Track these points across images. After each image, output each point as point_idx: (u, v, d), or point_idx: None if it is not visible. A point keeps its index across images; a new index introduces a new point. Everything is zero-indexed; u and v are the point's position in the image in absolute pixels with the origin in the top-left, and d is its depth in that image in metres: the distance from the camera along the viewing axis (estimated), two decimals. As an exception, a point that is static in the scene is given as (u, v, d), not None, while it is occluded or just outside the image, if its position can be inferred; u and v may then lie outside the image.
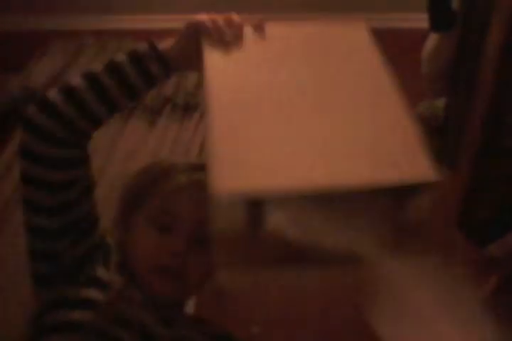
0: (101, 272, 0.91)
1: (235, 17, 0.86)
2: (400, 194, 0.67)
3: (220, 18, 0.85)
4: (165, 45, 0.88)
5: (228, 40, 0.84)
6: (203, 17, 0.86)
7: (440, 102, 1.90)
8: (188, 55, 0.88)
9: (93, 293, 0.87)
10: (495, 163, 1.51)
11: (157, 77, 0.88)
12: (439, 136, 1.94)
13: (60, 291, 0.89)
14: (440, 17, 1.74)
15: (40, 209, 0.89)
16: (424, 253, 0.73)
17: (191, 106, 2.29)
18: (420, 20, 1.97)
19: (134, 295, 0.89)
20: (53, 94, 0.86)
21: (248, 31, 0.86)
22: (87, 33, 2.68)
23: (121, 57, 0.88)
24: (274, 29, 0.87)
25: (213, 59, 0.82)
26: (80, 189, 0.90)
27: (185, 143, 2.16)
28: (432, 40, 1.84)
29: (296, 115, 0.74)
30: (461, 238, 1.73)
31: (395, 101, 0.75)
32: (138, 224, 0.94)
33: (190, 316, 0.98)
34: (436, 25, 1.76)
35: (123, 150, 2.16)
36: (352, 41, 0.87)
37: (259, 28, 0.87)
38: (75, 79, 0.87)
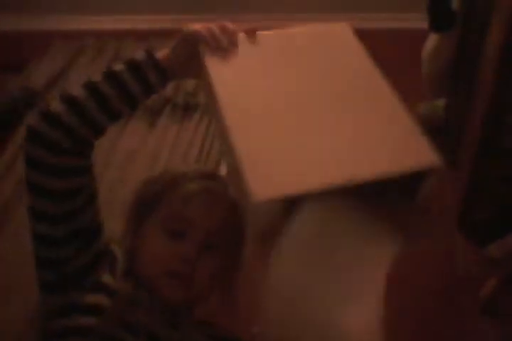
0: (107, 279, 0.92)
1: (229, 25, 0.89)
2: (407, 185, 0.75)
3: (214, 27, 0.88)
4: (161, 54, 0.90)
5: (225, 47, 0.87)
6: (198, 26, 0.88)
7: (440, 102, 1.90)
8: (183, 63, 0.90)
9: (99, 299, 0.88)
10: (495, 163, 1.51)
11: (155, 85, 0.90)
12: (439, 136, 1.94)
13: (67, 297, 0.89)
14: (440, 17, 1.74)
15: (45, 217, 0.90)
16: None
17: (191, 106, 2.28)
18: (420, 20, 1.96)
19: (142, 299, 0.90)
20: (55, 104, 0.87)
21: (242, 37, 0.90)
22: (87, 33, 2.68)
23: (119, 66, 0.89)
24: (265, 35, 0.91)
25: (215, 67, 0.86)
26: (84, 197, 0.91)
27: (185, 144, 2.16)
28: (432, 40, 1.84)
29: (309, 117, 0.79)
30: (461, 238, 1.73)
31: (392, 99, 0.81)
32: (149, 230, 0.95)
33: (198, 319, 0.99)
34: (436, 25, 1.76)
35: (123, 151, 2.16)
36: (340, 43, 0.91)
37: (251, 34, 0.90)
38: (76, 89, 0.88)
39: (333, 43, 0.91)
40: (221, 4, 2.53)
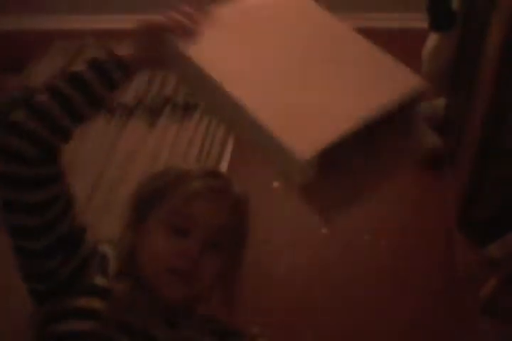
0: (100, 280, 0.91)
1: (184, 8, 0.89)
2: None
3: (174, 13, 0.87)
4: (123, 50, 0.89)
5: (193, 30, 0.87)
6: (157, 18, 0.88)
7: (440, 102, 1.90)
8: (146, 57, 0.89)
9: (94, 302, 0.87)
10: (495, 163, 1.51)
11: (119, 83, 0.89)
12: (439, 136, 1.94)
13: (60, 303, 0.88)
14: (440, 17, 1.74)
15: (25, 232, 0.88)
16: None
17: (191, 106, 2.28)
18: (420, 20, 1.96)
19: (139, 299, 0.89)
20: (17, 113, 0.84)
21: (200, 16, 0.90)
22: (87, 33, 2.68)
23: (81, 66, 0.88)
24: (219, 9, 0.92)
25: (193, 49, 0.85)
26: (61, 205, 0.89)
27: (185, 144, 2.16)
28: (432, 40, 1.84)
29: (298, 73, 0.84)
30: (461, 238, 1.73)
31: (361, 41, 0.88)
32: (150, 227, 0.94)
33: (198, 315, 0.98)
34: (436, 25, 1.76)
35: (123, 151, 2.16)
36: (296, 4, 0.96)
37: (205, 12, 0.90)
38: (39, 95, 0.85)
39: (289, 4, 0.95)
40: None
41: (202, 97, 0.96)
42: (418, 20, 2.09)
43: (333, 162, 0.76)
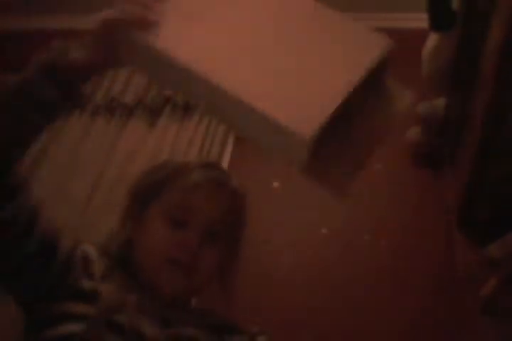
0: (86, 283, 0.88)
1: None
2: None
3: (129, 6, 0.82)
4: (79, 52, 0.87)
5: (151, 19, 0.81)
6: (112, 13, 0.83)
7: (440, 102, 1.90)
8: (105, 57, 0.85)
9: (81, 306, 0.85)
10: (495, 163, 1.51)
11: (70, 89, 0.84)
12: (439, 136, 1.94)
13: (47, 310, 0.87)
14: (440, 17, 1.74)
15: None
16: None
17: (191, 106, 2.28)
18: (420, 20, 1.96)
19: (130, 298, 0.88)
20: None
21: (156, 5, 0.85)
22: (86, 32, 2.68)
23: (29, 72, 0.84)
24: None
25: (158, 40, 0.81)
26: (25, 219, 0.83)
27: (185, 144, 2.16)
28: (432, 40, 1.84)
29: (274, 52, 0.82)
30: (461, 238, 1.73)
31: (327, 12, 0.90)
32: (151, 218, 0.95)
33: (196, 309, 0.97)
34: (436, 25, 1.76)
35: (123, 151, 2.16)
36: None
37: (160, 0, 0.84)
38: None
39: None
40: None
41: (176, 88, 0.91)
42: (418, 20, 2.09)
43: (320, 143, 0.75)
